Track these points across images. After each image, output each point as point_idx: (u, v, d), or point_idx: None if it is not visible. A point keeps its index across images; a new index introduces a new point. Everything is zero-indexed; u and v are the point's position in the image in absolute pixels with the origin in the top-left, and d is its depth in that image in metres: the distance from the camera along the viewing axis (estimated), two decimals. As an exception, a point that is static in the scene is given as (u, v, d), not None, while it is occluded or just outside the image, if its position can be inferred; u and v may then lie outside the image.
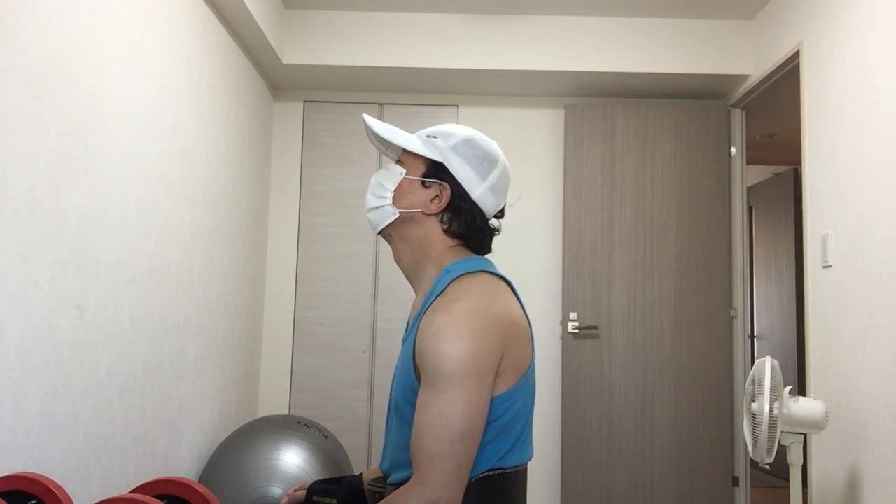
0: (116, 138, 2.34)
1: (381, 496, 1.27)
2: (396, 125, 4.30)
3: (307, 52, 3.94)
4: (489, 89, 4.26)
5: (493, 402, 1.22)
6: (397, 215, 1.35)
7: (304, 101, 4.33)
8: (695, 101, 4.34)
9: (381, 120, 4.41)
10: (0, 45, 1.76)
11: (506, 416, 1.23)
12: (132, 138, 2.45)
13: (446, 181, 1.34)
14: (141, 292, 2.54)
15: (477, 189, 1.34)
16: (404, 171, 1.35)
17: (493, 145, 1.38)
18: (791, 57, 3.40)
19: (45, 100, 1.94)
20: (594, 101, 4.35)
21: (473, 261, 1.33)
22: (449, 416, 1.15)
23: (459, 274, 1.28)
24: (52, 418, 2.00)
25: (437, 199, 1.34)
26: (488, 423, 1.22)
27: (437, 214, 1.35)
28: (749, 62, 3.92)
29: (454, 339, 1.18)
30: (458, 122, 4.34)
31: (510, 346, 1.24)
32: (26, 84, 1.85)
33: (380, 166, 4.26)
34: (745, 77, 3.96)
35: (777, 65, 3.55)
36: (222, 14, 3.29)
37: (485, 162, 1.35)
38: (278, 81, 4.21)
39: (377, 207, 1.37)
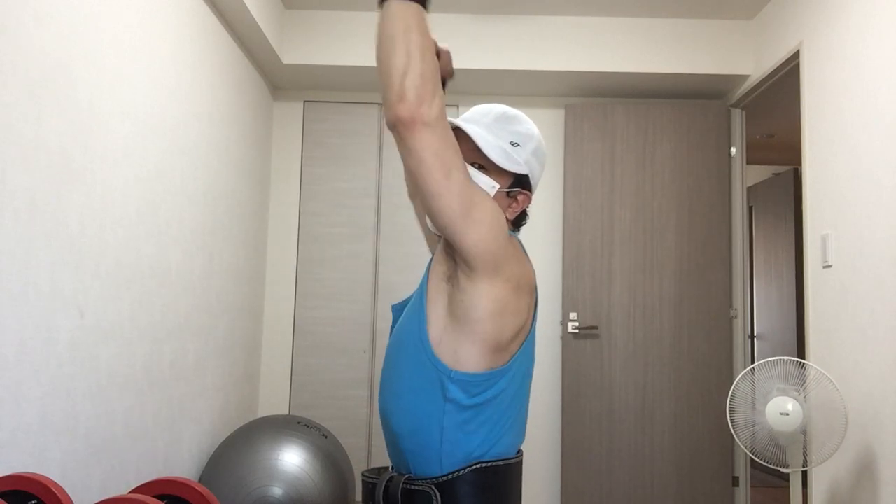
0: (116, 138, 2.34)
1: (375, 487, 1.25)
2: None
3: (307, 52, 3.94)
4: (489, 89, 4.26)
5: (484, 377, 1.21)
6: None
7: (304, 101, 4.33)
8: (695, 101, 4.34)
9: (380, 120, 4.44)
10: (0, 44, 1.76)
11: (494, 392, 1.22)
12: (132, 138, 2.45)
13: (527, 188, 1.34)
14: (141, 292, 2.54)
15: (537, 185, 1.38)
16: (497, 186, 1.30)
17: (542, 138, 1.39)
18: (791, 57, 3.40)
19: (45, 100, 1.94)
20: (594, 101, 4.35)
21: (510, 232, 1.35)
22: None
23: None
24: (52, 418, 2.00)
25: (515, 204, 1.34)
26: (477, 402, 1.21)
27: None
28: (749, 62, 3.92)
29: (479, 221, 1.19)
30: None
31: (517, 292, 1.23)
32: (26, 84, 1.85)
33: (380, 166, 4.26)
34: (745, 77, 3.95)
35: (777, 65, 3.55)
36: (222, 14, 3.29)
37: (544, 160, 1.38)
38: (278, 81, 4.21)
39: None
